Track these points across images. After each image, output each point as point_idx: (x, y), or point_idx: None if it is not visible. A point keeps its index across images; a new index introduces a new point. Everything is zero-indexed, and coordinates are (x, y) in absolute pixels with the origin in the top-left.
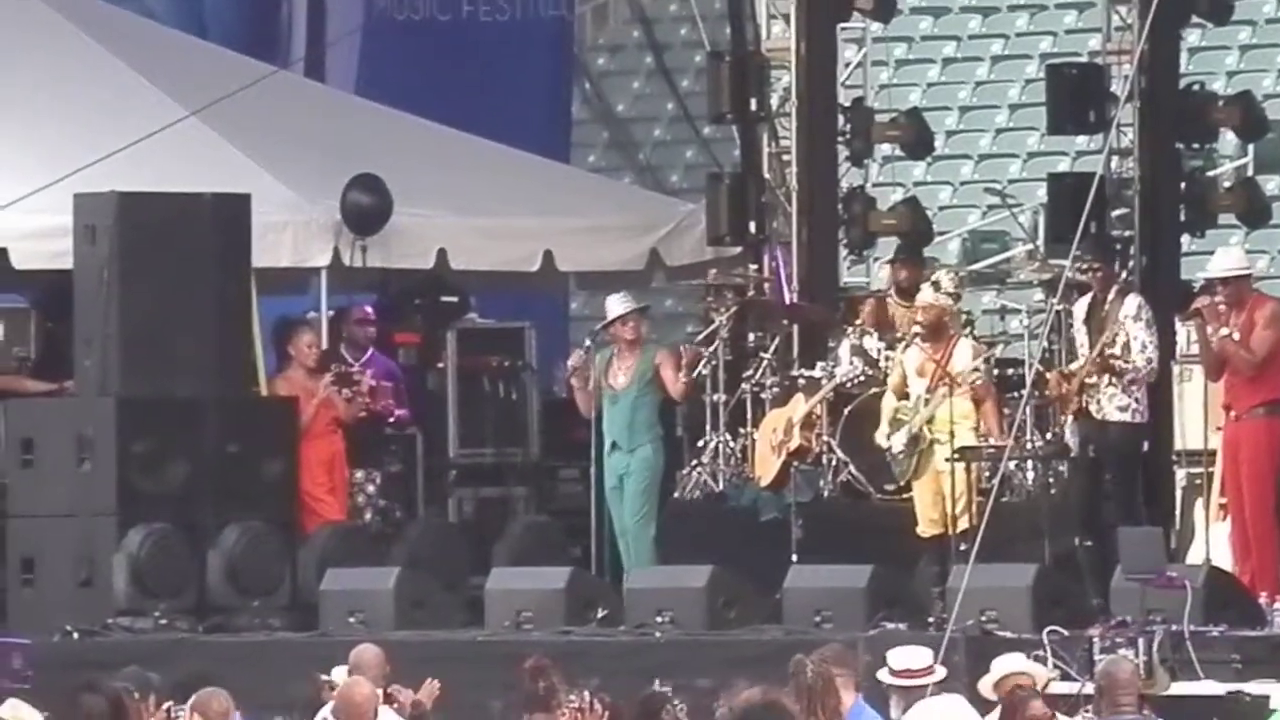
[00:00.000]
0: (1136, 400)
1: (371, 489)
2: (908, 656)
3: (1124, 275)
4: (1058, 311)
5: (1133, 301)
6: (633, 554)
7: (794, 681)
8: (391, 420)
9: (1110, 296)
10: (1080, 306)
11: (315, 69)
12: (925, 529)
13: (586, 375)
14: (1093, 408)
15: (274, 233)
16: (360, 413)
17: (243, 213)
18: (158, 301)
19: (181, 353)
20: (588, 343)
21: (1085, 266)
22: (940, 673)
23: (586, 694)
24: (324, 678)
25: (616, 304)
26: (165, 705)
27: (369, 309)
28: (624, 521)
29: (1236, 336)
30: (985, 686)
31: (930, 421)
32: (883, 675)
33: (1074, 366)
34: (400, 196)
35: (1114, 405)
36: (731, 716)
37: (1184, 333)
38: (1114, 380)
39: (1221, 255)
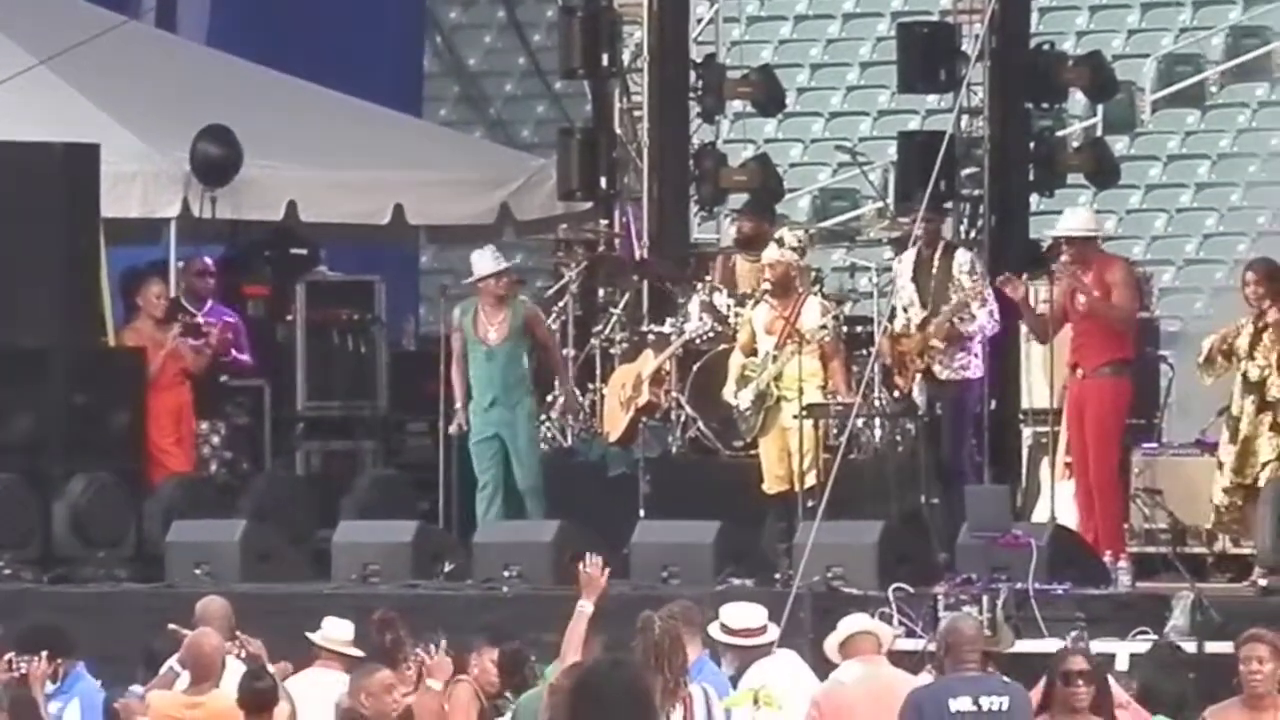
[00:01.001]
0: (974, 356)
1: (218, 440)
2: (740, 614)
3: (972, 234)
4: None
5: (964, 256)
6: (531, 508)
7: (641, 638)
8: (228, 359)
9: (938, 253)
10: (905, 261)
11: (166, 19)
12: (771, 485)
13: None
14: (935, 368)
15: (123, 183)
16: (207, 364)
17: (92, 163)
18: (5, 251)
19: (28, 302)
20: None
21: (919, 217)
22: (773, 632)
23: (434, 646)
24: (175, 628)
25: (487, 261)
26: (7, 656)
27: (208, 260)
28: (518, 475)
29: (1083, 298)
30: (830, 647)
31: (778, 379)
32: (714, 630)
33: (898, 325)
34: (250, 148)
35: (956, 364)
36: (578, 675)
37: (1032, 291)
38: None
39: (1070, 215)
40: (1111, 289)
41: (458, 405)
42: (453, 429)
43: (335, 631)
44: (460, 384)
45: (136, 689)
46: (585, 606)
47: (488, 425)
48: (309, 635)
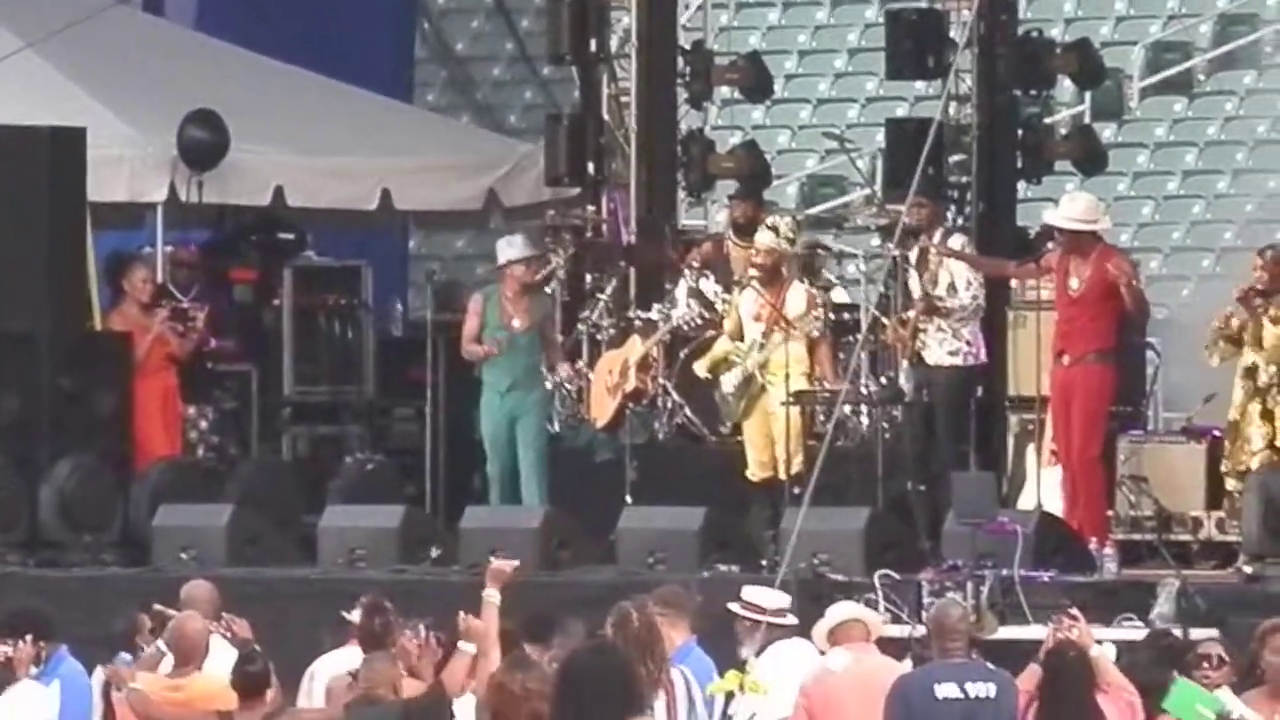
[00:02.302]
0: (967, 343)
1: (205, 425)
2: (761, 594)
3: (959, 220)
4: (894, 257)
5: (955, 241)
6: (536, 490)
7: (621, 632)
8: (208, 349)
9: (936, 238)
10: (913, 252)
11: (154, 3)
12: (755, 472)
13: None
14: (925, 352)
15: (110, 167)
16: (193, 349)
17: (79, 147)
18: None
19: (15, 287)
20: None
21: (912, 204)
22: (790, 620)
23: (422, 629)
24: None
25: (515, 248)
26: None
27: (191, 249)
28: (526, 459)
29: (1076, 284)
30: (819, 635)
31: (764, 366)
32: (738, 609)
33: (911, 313)
34: (237, 133)
35: (944, 350)
36: (562, 663)
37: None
38: (942, 324)
39: (1068, 202)
40: (1116, 284)
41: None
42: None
43: None
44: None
45: (125, 656)
46: (492, 595)
47: (503, 410)
48: (345, 615)
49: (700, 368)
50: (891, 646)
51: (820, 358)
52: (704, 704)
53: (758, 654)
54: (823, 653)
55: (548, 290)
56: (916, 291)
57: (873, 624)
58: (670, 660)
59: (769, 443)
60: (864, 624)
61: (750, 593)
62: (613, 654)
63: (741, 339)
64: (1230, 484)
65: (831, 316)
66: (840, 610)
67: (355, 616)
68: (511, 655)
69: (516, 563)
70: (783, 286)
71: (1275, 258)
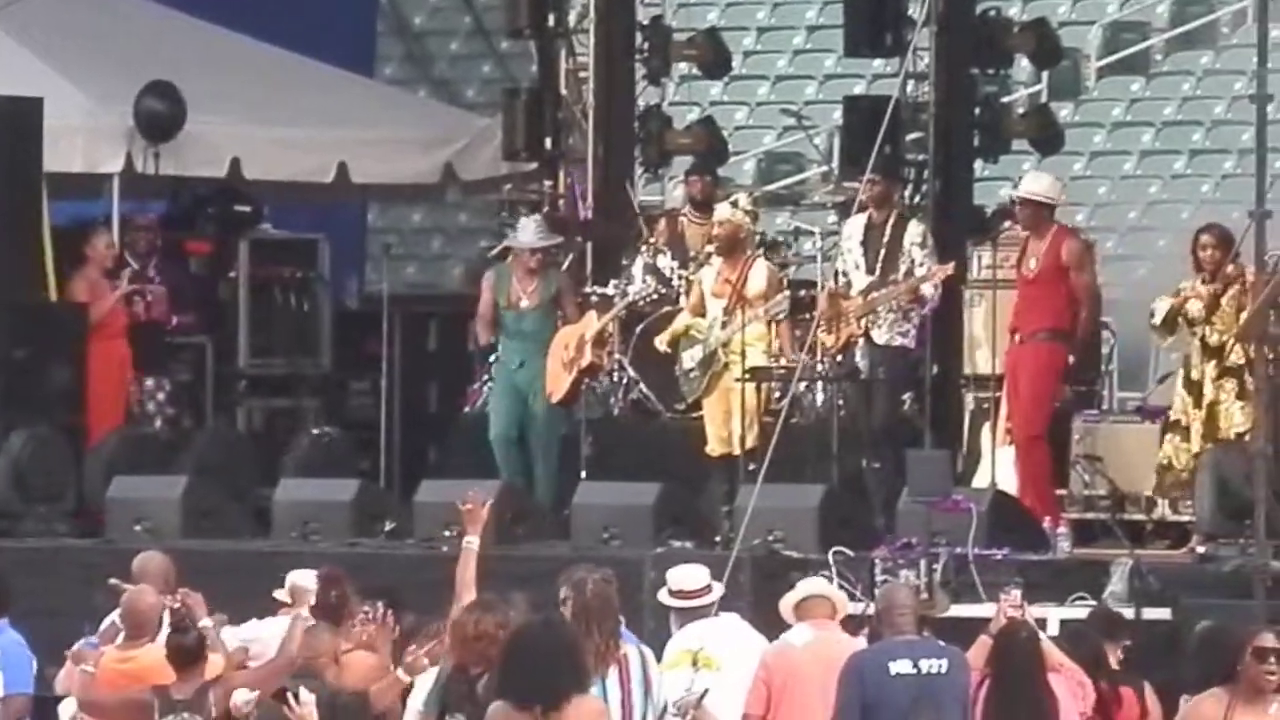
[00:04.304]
0: (914, 326)
1: (161, 396)
2: (683, 576)
3: (916, 199)
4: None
5: (916, 229)
6: (545, 469)
7: (572, 599)
8: (170, 327)
9: (890, 220)
10: (855, 225)
11: None
12: (714, 447)
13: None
14: (875, 333)
15: (66, 137)
16: (149, 318)
17: (35, 116)
18: None
19: None
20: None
21: (865, 181)
22: (717, 591)
23: (380, 605)
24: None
25: (529, 234)
26: None
27: (150, 215)
28: (535, 435)
29: (1034, 264)
30: (785, 607)
31: (726, 344)
32: (662, 595)
33: (839, 285)
34: (194, 104)
35: (895, 330)
36: (510, 634)
37: (975, 257)
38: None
39: (1032, 178)
40: (1068, 270)
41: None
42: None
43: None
44: (485, 333)
45: (93, 639)
46: (471, 542)
47: (514, 385)
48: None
49: (661, 341)
50: (846, 623)
51: (779, 332)
52: (659, 683)
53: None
54: (788, 626)
55: (562, 267)
56: (859, 268)
57: (839, 602)
58: (621, 635)
59: (728, 419)
60: (830, 601)
61: (675, 578)
62: (560, 628)
63: (704, 315)
64: (1184, 461)
65: (788, 293)
66: (809, 585)
67: (283, 594)
68: (478, 596)
69: (487, 499)
70: (745, 263)
71: (1221, 235)
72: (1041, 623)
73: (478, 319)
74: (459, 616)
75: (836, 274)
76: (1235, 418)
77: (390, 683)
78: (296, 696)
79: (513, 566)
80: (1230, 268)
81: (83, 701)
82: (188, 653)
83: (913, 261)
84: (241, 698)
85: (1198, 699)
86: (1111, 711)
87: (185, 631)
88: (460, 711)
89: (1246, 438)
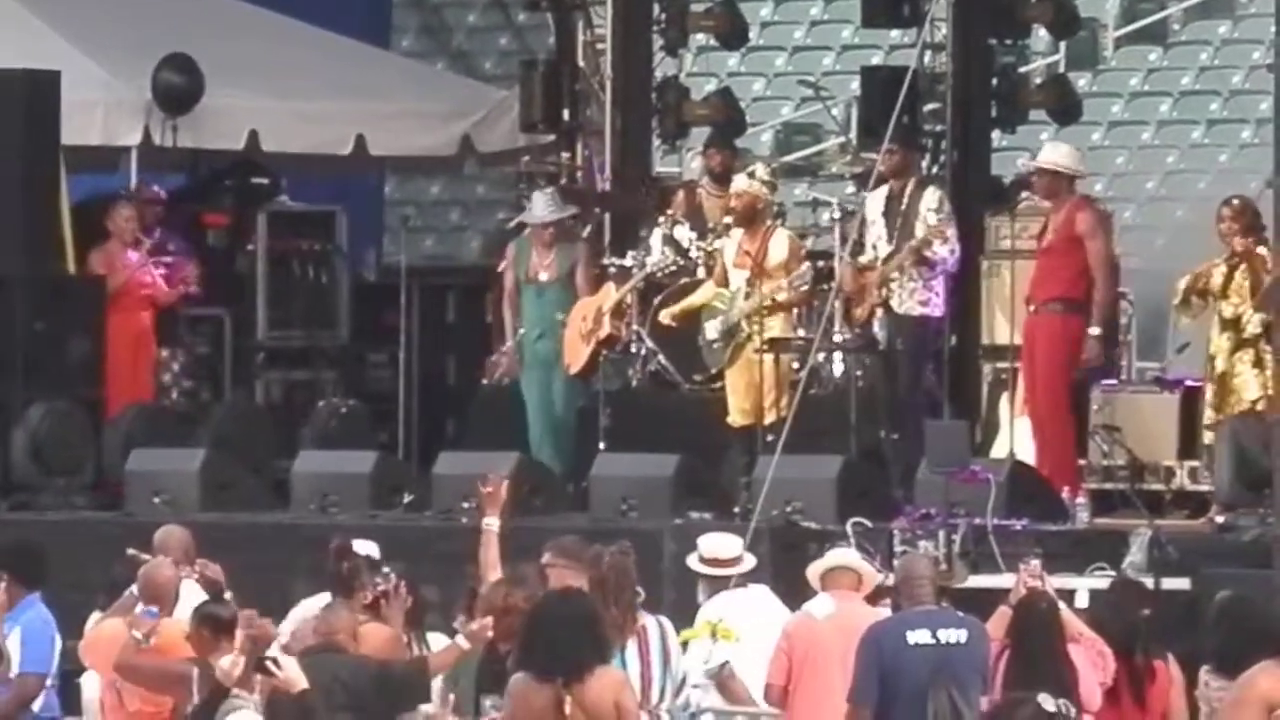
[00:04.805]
0: (935, 294)
1: (178, 369)
2: (717, 544)
3: (934, 169)
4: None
5: (933, 195)
6: (563, 442)
7: (590, 573)
8: (188, 296)
9: (909, 189)
10: (875, 199)
11: None
12: (736, 418)
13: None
14: (893, 301)
15: (84, 111)
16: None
17: (53, 90)
18: None
19: None
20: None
21: (883, 151)
22: (749, 562)
23: (393, 576)
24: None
25: (539, 208)
26: None
27: (156, 189)
28: (557, 407)
29: (1050, 234)
30: (813, 574)
31: (749, 315)
32: (691, 561)
33: (864, 259)
34: (212, 77)
35: (915, 300)
36: (529, 608)
37: (993, 227)
38: (914, 274)
39: (1050, 148)
40: (1082, 240)
41: (505, 345)
42: (496, 368)
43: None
44: (511, 321)
45: (153, 609)
46: (491, 524)
47: (535, 357)
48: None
49: (667, 315)
50: (871, 595)
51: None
52: (678, 655)
53: (709, 599)
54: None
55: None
56: (881, 239)
57: (867, 576)
58: (639, 608)
59: (751, 389)
60: (857, 573)
61: (708, 546)
62: (580, 600)
63: (726, 286)
64: (1209, 436)
65: (806, 263)
66: (838, 555)
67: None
68: (509, 569)
69: (505, 480)
70: (766, 233)
71: (1243, 207)
72: (1069, 595)
73: (505, 299)
74: (489, 591)
75: (860, 249)
76: (1249, 390)
77: (449, 650)
78: (276, 663)
79: (531, 538)
80: (1238, 241)
81: (122, 666)
82: (221, 623)
83: (926, 225)
84: (227, 662)
85: (1251, 673)
86: (1145, 685)
87: (220, 602)
88: (495, 693)
89: (1260, 406)
